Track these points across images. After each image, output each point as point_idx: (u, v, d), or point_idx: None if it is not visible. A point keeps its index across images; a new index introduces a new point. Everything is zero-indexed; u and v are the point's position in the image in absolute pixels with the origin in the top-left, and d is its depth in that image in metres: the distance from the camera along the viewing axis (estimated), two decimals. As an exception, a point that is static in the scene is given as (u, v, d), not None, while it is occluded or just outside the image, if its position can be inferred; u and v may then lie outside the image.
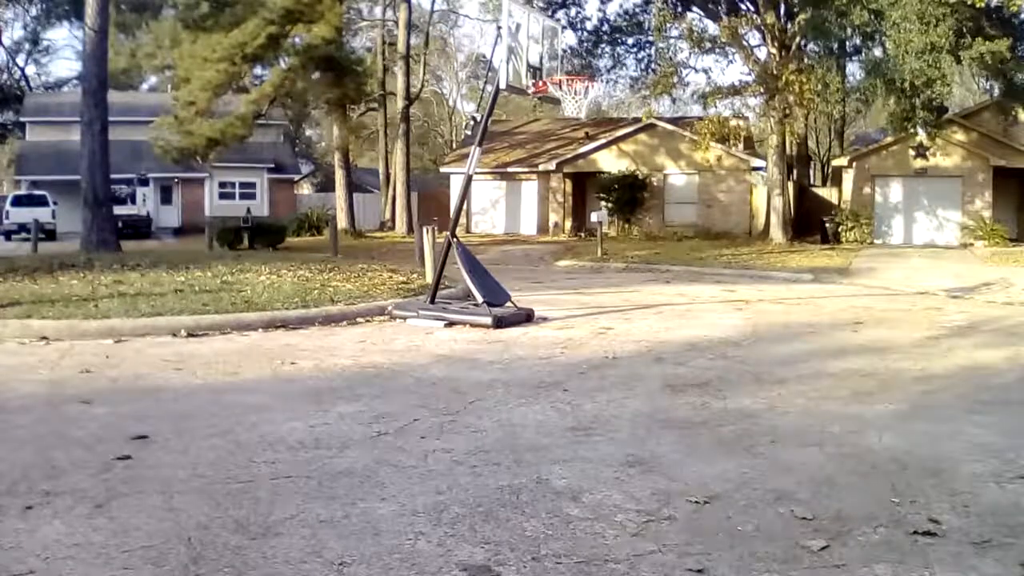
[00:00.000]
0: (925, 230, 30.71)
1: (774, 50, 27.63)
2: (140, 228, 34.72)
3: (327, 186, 49.39)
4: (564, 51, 32.28)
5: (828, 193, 34.62)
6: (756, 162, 32.35)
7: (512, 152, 36.62)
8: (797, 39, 27.57)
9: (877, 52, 26.22)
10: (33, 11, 53.83)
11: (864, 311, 12.23)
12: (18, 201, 35.99)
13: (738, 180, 32.86)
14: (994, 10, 23.76)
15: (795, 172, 34.99)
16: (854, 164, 31.58)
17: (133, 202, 37.31)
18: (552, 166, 34.68)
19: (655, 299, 13.54)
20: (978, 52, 23.12)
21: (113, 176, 22.51)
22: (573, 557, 3.58)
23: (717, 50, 28.98)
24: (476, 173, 13.44)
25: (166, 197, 42.81)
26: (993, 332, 10.28)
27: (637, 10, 31.21)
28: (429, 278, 12.77)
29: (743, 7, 29.30)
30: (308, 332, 9.76)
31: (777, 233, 28.58)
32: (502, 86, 10.66)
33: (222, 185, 42.91)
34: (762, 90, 27.93)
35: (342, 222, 34.31)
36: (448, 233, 11.08)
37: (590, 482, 4.50)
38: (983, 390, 6.93)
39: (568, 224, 34.35)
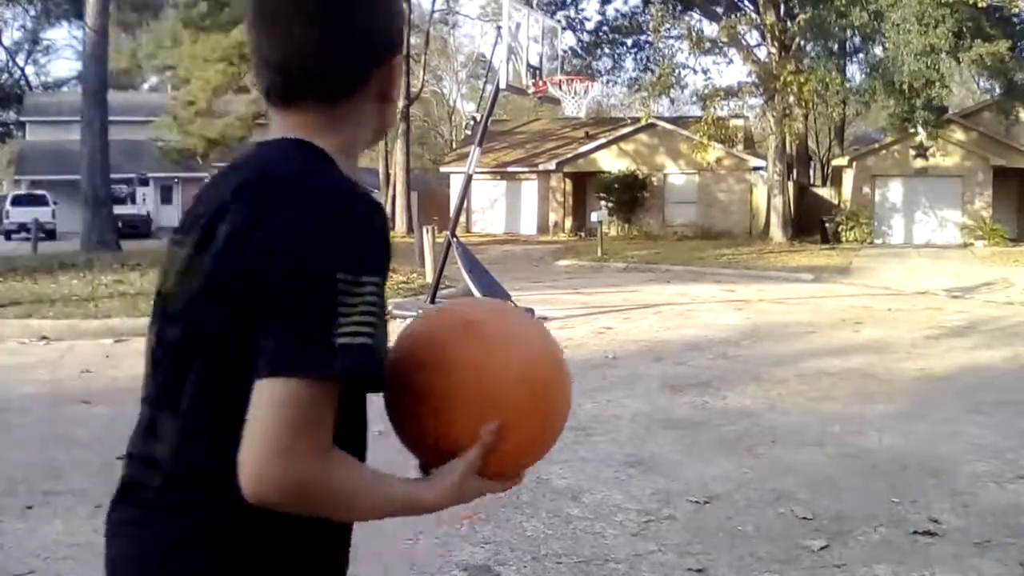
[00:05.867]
0: (925, 230, 30.70)
1: (774, 50, 27.63)
2: (140, 228, 34.68)
3: (327, 186, 49.30)
4: (564, 52, 32.23)
5: (828, 193, 34.60)
6: (756, 162, 32.33)
7: (512, 152, 36.60)
8: (797, 39, 27.57)
9: (878, 51, 26.22)
10: (33, 11, 53.80)
11: (864, 311, 12.23)
12: (18, 201, 35.98)
13: (738, 180, 32.85)
14: (994, 10, 23.74)
15: (795, 172, 34.98)
16: (854, 164, 31.57)
17: (133, 202, 37.30)
18: (552, 166, 34.65)
19: (655, 299, 13.53)
20: (977, 54, 23.12)
21: (113, 176, 22.51)
22: (573, 557, 3.58)
23: (716, 50, 28.98)
24: (476, 173, 13.44)
25: (166, 197, 42.78)
26: (993, 332, 10.28)
27: (636, 11, 31.20)
28: (429, 278, 12.77)
29: (743, 7, 29.30)
30: (308, 332, 9.74)
31: (777, 233, 28.58)
32: (502, 86, 10.65)
33: (222, 185, 42.91)
34: (762, 90, 27.92)
35: (342, 222, 34.23)
36: (448, 233, 11.07)
37: (590, 482, 4.50)
38: (983, 390, 6.93)
39: (568, 224, 34.35)
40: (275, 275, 1.00)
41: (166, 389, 1.10)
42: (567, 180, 34.96)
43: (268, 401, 0.98)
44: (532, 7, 14.33)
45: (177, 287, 1.11)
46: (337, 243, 1.01)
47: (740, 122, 33.90)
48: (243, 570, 1.07)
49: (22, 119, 45.74)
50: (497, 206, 36.30)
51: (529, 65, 10.75)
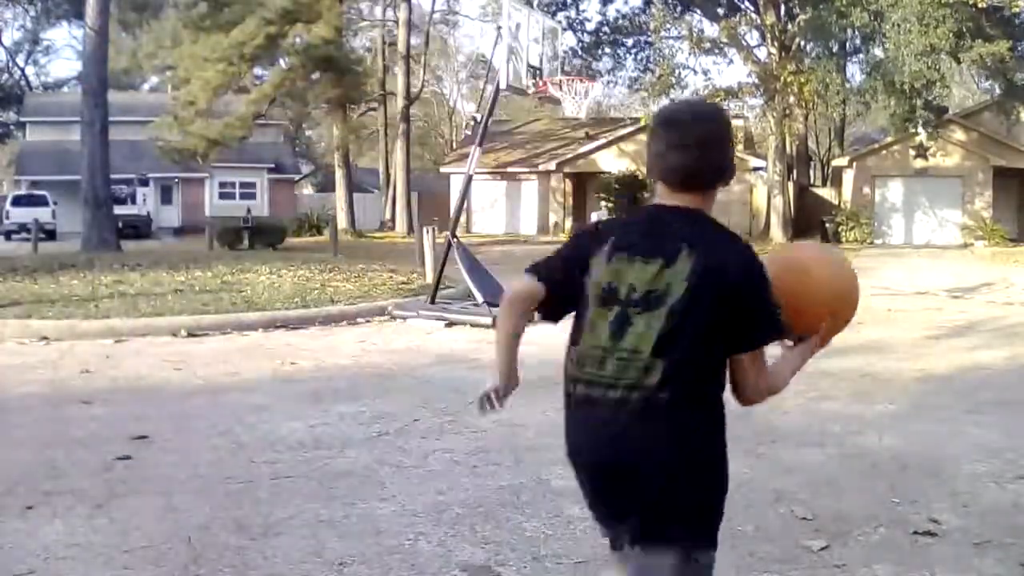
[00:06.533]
0: (925, 230, 30.70)
1: (774, 50, 27.65)
2: (140, 228, 34.66)
3: (327, 186, 49.36)
4: (565, 52, 32.31)
5: (828, 193, 34.61)
6: (756, 162, 32.33)
7: (512, 152, 36.60)
8: (797, 40, 27.57)
9: (878, 51, 26.22)
10: (33, 11, 53.79)
11: (864, 311, 12.17)
12: (18, 201, 35.94)
13: (738, 180, 32.78)
14: (994, 10, 23.75)
15: (795, 172, 34.98)
16: (854, 164, 31.58)
17: (133, 202, 37.27)
18: (552, 166, 34.64)
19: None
20: (977, 54, 23.12)
21: (113, 176, 22.48)
22: (573, 557, 3.58)
23: (716, 51, 28.98)
24: (476, 173, 13.42)
25: (166, 197, 42.77)
26: (993, 332, 10.27)
27: (637, 11, 31.21)
28: (429, 278, 12.76)
29: (743, 7, 29.31)
30: (308, 332, 9.76)
31: (777, 233, 28.59)
32: (502, 86, 10.65)
33: (222, 185, 42.88)
34: (762, 91, 27.93)
35: (342, 222, 34.24)
36: (448, 233, 11.07)
37: (590, 482, 4.49)
38: (983, 390, 6.93)
39: (568, 224, 34.32)
40: (748, 288, 2.02)
41: (660, 343, 1.98)
42: (567, 180, 34.94)
43: (757, 357, 2.06)
44: (532, 7, 14.34)
45: (652, 285, 2.02)
46: (762, 267, 2.08)
47: (740, 122, 33.89)
48: (718, 436, 2.08)
49: (22, 119, 45.70)
50: (497, 206, 36.29)
51: (529, 65, 10.75)
